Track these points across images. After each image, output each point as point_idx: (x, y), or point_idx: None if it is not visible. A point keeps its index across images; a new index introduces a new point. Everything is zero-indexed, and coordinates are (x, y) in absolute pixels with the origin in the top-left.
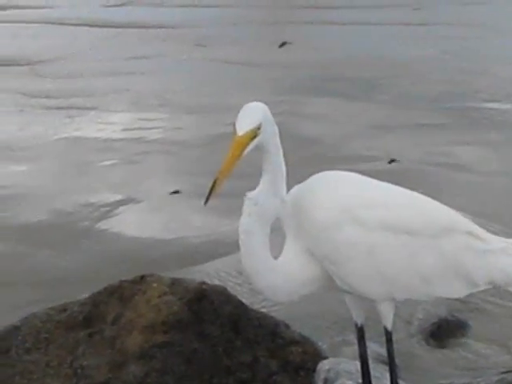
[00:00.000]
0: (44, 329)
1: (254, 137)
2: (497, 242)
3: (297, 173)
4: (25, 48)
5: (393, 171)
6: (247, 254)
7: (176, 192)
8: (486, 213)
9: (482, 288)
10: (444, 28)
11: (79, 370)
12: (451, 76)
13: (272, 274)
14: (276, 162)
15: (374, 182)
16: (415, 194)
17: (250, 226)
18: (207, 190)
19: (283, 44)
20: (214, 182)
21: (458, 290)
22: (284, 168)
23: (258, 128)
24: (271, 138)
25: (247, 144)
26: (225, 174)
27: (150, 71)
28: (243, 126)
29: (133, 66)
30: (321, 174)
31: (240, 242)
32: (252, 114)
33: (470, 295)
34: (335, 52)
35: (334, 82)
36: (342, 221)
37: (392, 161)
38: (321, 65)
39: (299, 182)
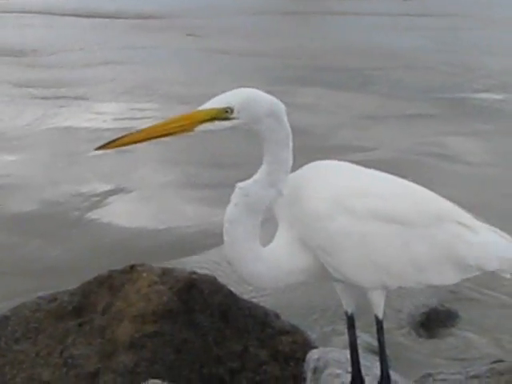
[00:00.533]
0: (33, 318)
1: (224, 118)
2: (486, 229)
3: None
4: (14, 38)
5: (383, 161)
6: (230, 243)
7: None
8: (476, 203)
9: (472, 275)
10: (435, 19)
11: (69, 360)
12: (442, 66)
13: (257, 262)
14: (276, 155)
15: (367, 171)
16: (407, 182)
17: (235, 216)
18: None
19: None
20: (124, 136)
21: (450, 278)
22: (289, 160)
23: (226, 111)
24: (269, 131)
25: (199, 121)
26: (143, 136)
27: (141, 61)
28: (206, 104)
29: (123, 55)
30: (313, 164)
31: (224, 230)
32: (224, 96)
33: (460, 285)
34: (326, 42)
35: (324, 72)
36: (335, 211)
37: None
38: (311, 54)
39: (289, 172)
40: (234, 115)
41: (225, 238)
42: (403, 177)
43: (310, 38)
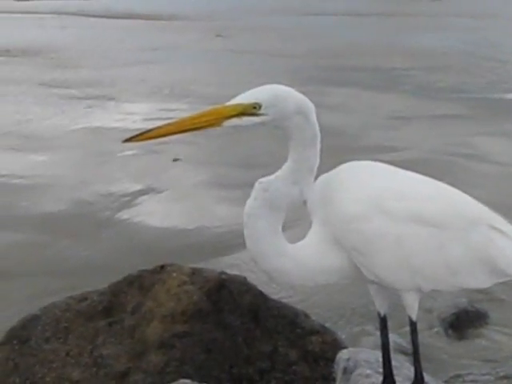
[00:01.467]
0: (64, 318)
1: (251, 114)
2: None
3: (319, 164)
4: (43, 39)
5: (413, 161)
6: (250, 237)
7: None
8: (506, 204)
9: (505, 279)
10: (464, 19)
11: (99, 360)
12: (472, 67)
13: (280, 257)
14: (302, 153)
15: (401, 171)
16: (442, 184)
17: (254, 210)
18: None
19: None
20: (153, 129)
21: (483, 281)
22: (315, 160)
23: (254, 107)
24: (297, 129)
25: (227, 116)
26: (171, 129)
27: (171, 62)
28: (235, 99)
29: (153, 56)
30: (348, 164)
31: (243, 224)
32: (252, 92)
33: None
34: (356, 42)
35: (354, 72)
36: (370, 212)
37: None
38: (340, 55)
39: (321, 173)
40: (261, 111)
41: (245, 231)
42: (434, 177)
43: (341, 38)
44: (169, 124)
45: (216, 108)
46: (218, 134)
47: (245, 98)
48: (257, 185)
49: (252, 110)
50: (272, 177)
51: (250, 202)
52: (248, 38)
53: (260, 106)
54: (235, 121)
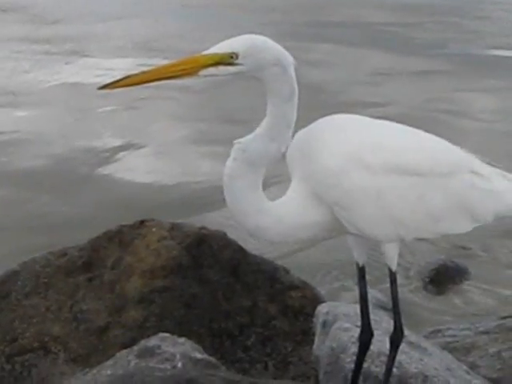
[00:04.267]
0: (43, 273)
1: (228, 64)
2: (500, 177)
3: (299, 120)
4: None
5: (395, 116)
6: (230, 196)
7: None
8: (485, 158)
9: (486, 222)
10: None
11: (79, 315)
12: (454, 22)
13: (260, 215)
14: (279, 108)
15: (380, 122)
16: (421, 132)
17: (234, 170)
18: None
19: None
20: (128, 77)
21: (465, 226)
22: (292, 115)
23: (231, 57)
24: (274, 81)
25: (203, 65)
26: (146, 77)
27: (148, 17)
28: (211, 49)
29: (130, 11)
30: (326, 119)
31: (223, 185)
32: (229, 42)
33: (470, 241)
34: None
35: (335, 28)
36: (349, 166)
37: None
38: (321, 9)
39: (302, 128)
40: (238, 61)
41: (225, 191)
42: None
43: None
44: (145, 72)
45: (192, 57)
46: (199, 89)
47: (222, 48)
48: (235, 145)
49: (229, 59)
50: (250, 136)
51: (229, 162)
52: None
53: (237, 56)
54: (211, 70)
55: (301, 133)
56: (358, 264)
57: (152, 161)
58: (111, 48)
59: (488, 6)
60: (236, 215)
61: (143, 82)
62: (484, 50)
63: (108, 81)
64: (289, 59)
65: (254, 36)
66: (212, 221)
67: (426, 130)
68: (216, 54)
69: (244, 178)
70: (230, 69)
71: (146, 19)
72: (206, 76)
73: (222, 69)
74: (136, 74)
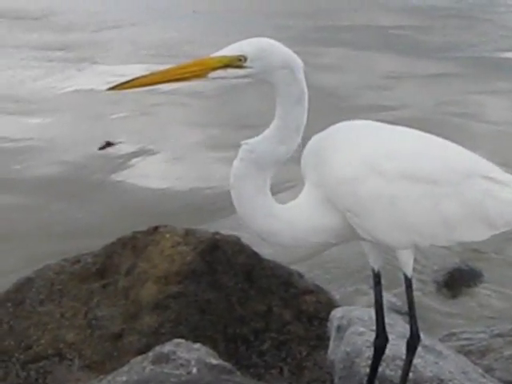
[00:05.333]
0: (58, 280)
1: (236, 67)
2: None
3: (312, 124)
4: (32, 1)
5: (408, 120)
6: (237, 198)
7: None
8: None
9: (502, 230)
10: None
11: (93, 321)
12: (465, 25)
13: (268, 218)
14: (288, 111)
15: (393, 128)
16: (435, 138)
17: (241, 171)
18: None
19: None
20: (137, 78)
21: (480, 234)
22: (302, 119)
23: (239, 59)
24: (282, 84)
25: (212, 67)
26: (155, 79)
27: (159, 23)
28: (220, 51)
29: (142, 17)
30: (342, 124)
31: (230, 186)
32: (238, 45)
33: (484, 245)
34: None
35: (346, 32)
36: (364, 173)
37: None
38: (331, 13)
39: (314, 134)
40: (247, 64)
41: (232, 192)
42: None
43: None
44: (154, 73)
45: (201, 59)
46: (211, 94)
47: (231, 51)
48: (243, 146)
49: (237, 62)
50: (258, 137)
51: (236, 163)
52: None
53: (246, 59)
54: (220, 72)
55: (317, 137)
56: (373, 270)
57: (165, 167)
58: (122, 54)
59: (499, 8)
60: (244, 217)
61: (152, 83)
62: (495, 53)
63: None
64: (297, 62)
65: (262, 39)
66: (226, 226)
67: (438, 133)
68: (225, 57)
69: (251, 179)
70: (239, 71)
71: (158, 25)
72: (214, 78)
73: (230, 71)
74: (144, 76)
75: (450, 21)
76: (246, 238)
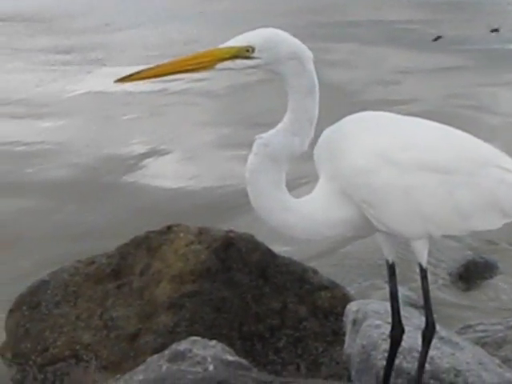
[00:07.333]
0: (72, 282)
1: (244, 57)
2: None
3: (322, 120)
4: (40, 5)
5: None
6: (253, 192)
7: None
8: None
9: None
10: None
11: (109, 322)
12: (473, 18)
13: (285, 212)
14: (299, 102)
15: (406, 118)
16: (448, 128)
17: (256, 165)
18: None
19: None
20: (144, 70)
21: (494, 223)
22: (314, 110)
23: (247, 50)
24: (292, 75)
25: (220, 58)
26: (163, 70)
27: (165, 24)
28: (228, 42)
29: (148, 19)
30: (354, 116)
31: (246, 181)
32: (246, 35)
33: (499, 236)
34: None
35: (355, 27)
36: (378, 165)
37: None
38: (338, 9)
39: (324, 128)
40: (255, 55)
41: (247, 187)
42: None
43: None
44: (161, 64)
45: (209, 50)
46: (222, 93)
47: (238, 41)
48: (257, 141)
49: (245, 53)
50: (272, 131)
51: (251, 157)
52: None
53: (253, 50)
54: (228, 63)
55: (328, 130)
56: (387, 261)
57: (177, 166)
58: (131, 56)
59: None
60: (260, 212)
61: (159, 74)
62: (505, 44)
63: (129, 88)
64: (306, 53)
65: (270, 29)
66: (239, 224)
67: (451, 126)
68: (233, 48)
69: (266, 174)
70: (247, 62)
71: (165, 26)
72: (222, 69)
73: (238, 62)
74: (151, 68)
75: (459, 13)
76: (260, 236)
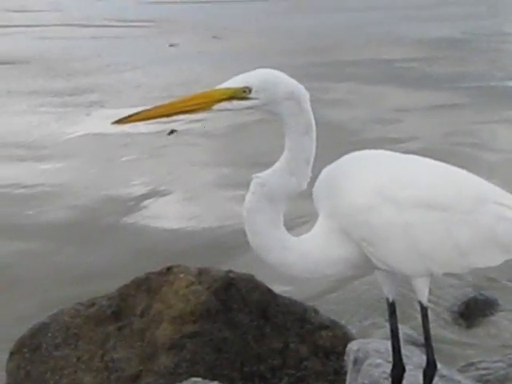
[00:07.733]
0: (73, 324)
1: (241, 98)
2: None
3: (321, 159)
4: (38, 49)
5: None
6: (251, 231)
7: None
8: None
9: None
10: (460, 8)
11: (110, 364)
12: (469, 55)
13: (283, 250)
14: (296, 142)
15: (404, 157)
16: (445, 165)
17: (253, 204)
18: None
19: None
20: (142, 111)
21: (494, 259)
22: (311, 150)
23: (244, 91)
24: (289, 115)
25: (217, 99)
26: (160, 112)
27: (163, 65)
28: (225, 83)
29: (145, 60)
30: (353, 155)
31: (244, 220)
32: (243, 76)
33: (499, 273)
34: (353, 36)
35: (352, 66)
36: (377, 203)
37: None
38: (338, 49)
39: (324, 167)
40: (252, 95)
41: (245, 226)
42: None
43: (335, 32)
44: (158, 106)
45: (206, 91)
46: (220, 134)
47: (235, 82)
48: (254, 180)
49: (242, 94)
50: (269, 171)
51: (248, 196)
52: (242, 38)
53: (250, 90)
54: (225, 104)
55: (328, 169)
56: (388, 299)
57: (177, 207)
58: (129, 97)
59: (503, 37)
60: (258, 251)
61: (157, 116)
62: (502, 82)
63: (128, 129)
64: (303, 92)
65: (267, 70)
66: (239, 264)
67: (450, 164)
68: (229, 89)
69: (264, 213)
70: (244, 103)
71: (163, 67)
72: (219, 110)
73: (235, 103)
74: (149, 109)
75: (456, 51)
76: (260, 275)
